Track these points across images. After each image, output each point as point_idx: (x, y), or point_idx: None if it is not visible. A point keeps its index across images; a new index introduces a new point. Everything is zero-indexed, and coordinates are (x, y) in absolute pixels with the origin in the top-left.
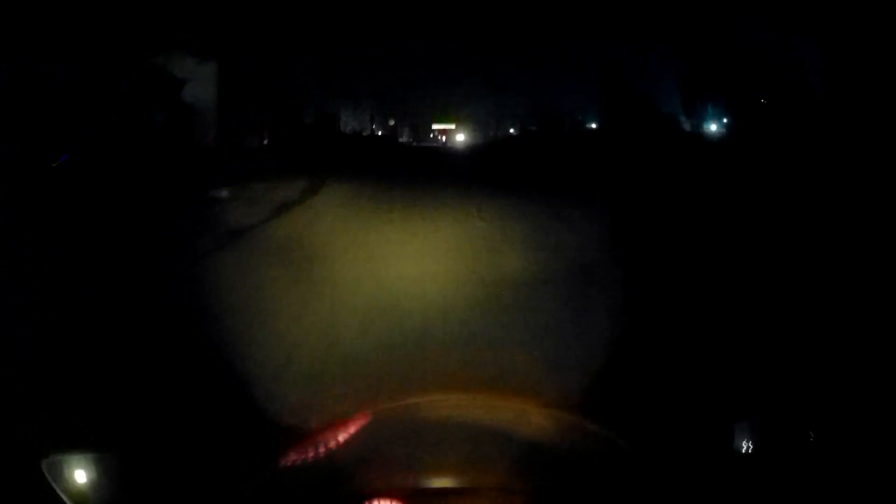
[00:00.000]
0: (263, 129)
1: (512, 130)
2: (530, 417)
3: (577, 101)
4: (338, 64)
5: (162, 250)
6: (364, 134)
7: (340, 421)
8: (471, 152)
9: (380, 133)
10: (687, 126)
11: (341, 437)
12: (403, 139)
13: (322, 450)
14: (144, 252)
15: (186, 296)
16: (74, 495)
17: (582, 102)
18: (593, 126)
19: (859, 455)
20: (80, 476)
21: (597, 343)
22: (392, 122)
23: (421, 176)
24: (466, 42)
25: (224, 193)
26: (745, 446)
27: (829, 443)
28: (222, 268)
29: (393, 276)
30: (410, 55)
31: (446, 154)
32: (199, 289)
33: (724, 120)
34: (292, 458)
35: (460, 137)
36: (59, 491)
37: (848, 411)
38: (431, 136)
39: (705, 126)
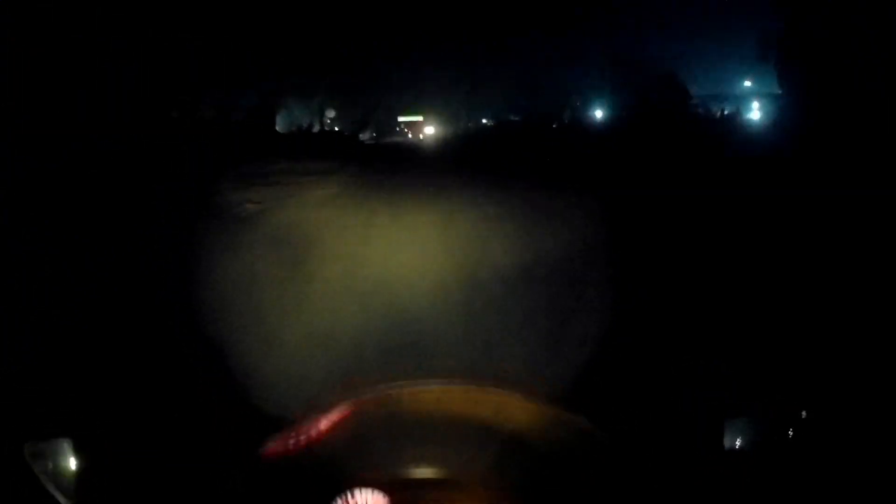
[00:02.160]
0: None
1: (485, 121)
2: (513, 410)
3: (578, 85)
4: (285, 52)
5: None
6: (314, 130)
7: (323, 411)
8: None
9: (336, 129)
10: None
11: (324, 428)
12: (365, 135)
13: (305, 440)
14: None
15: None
16: (56, 481)
17: (584, 87)
18: (598, 116)
19: (852, 452)
20: (63, 461)
21: (582, 337)
22: (351, 116)
23: (380, 184)
24: (434, 23)
25: None
26: (735, 443)
27: (821, 440)
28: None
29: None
30: (372, 40)
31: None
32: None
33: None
34: (275, 447)
35: (429, 131)
36: (40, 476)
37: (842, 408)
38: (397, 129)
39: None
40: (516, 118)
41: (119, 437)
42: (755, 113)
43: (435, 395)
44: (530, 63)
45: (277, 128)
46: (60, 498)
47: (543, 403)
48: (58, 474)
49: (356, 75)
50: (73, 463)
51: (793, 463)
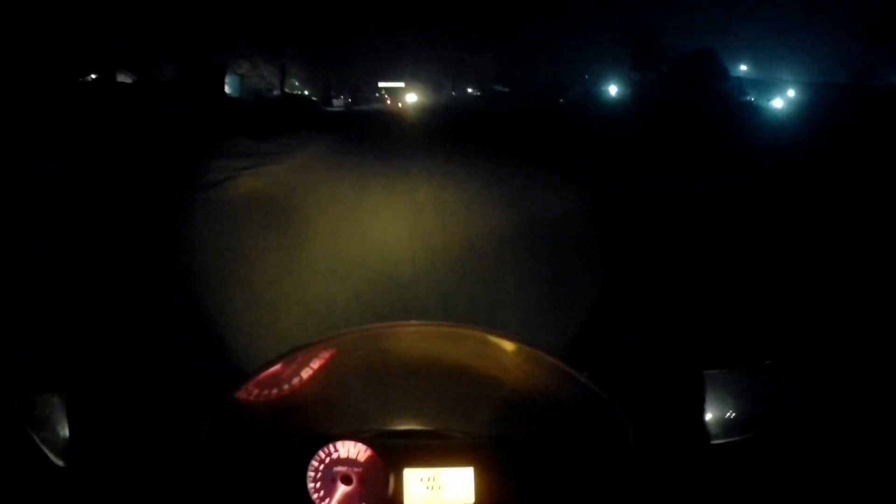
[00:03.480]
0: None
1: (471, 90)
2: (502, 355)
3: (587, 55)
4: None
5: None
6: (273, 94)
7: (302, 350)
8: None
9: (305, 94)
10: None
11: (304, 372)
12: (339, 101)
13: (285, 385)
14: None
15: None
16: (46, 436)
17: (595, 57)
18: (612, 92)
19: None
20: (54, 417)
21: (570, 293)
22: (322, 80)
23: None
24: None
25: None
26: (717, 395)
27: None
28: None
29: None
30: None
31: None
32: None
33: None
34: (252, 391)
35: (411, 98)
36: (30, 430)
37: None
38: (377, 95)
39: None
40: (504, 89)
41: (106, 391)
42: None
43: (419, 333)
44: (529, 28)
45: (228, 91)
46: (50, 454)
47: (530, 346)
48: (48, 430)
49: (328, 35)
50: (64, 419)
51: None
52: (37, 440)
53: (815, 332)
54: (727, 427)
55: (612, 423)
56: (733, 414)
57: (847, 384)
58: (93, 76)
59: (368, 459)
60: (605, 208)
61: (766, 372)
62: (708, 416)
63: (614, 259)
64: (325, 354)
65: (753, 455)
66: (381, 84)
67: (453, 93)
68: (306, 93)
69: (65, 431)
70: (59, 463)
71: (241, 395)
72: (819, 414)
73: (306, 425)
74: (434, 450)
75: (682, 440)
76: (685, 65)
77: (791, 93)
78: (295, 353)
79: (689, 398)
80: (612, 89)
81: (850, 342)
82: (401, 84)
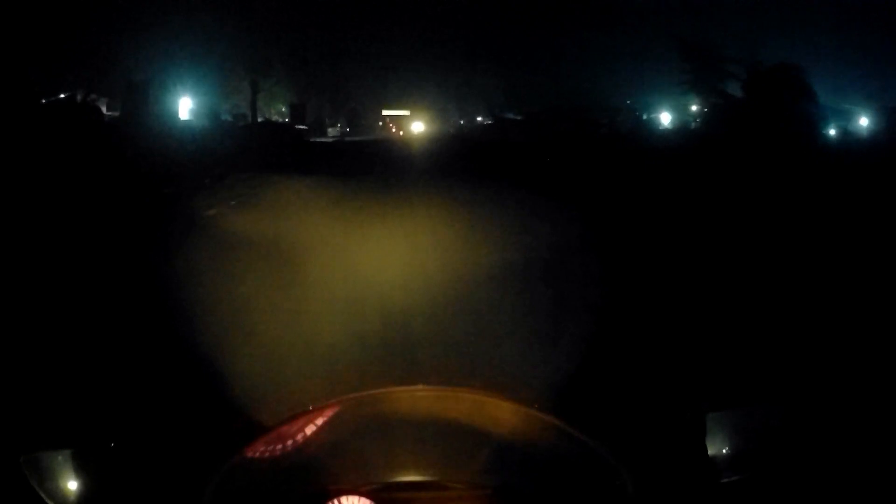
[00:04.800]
0: None
1: (480, 119)
2: (495, 412)
3: (628, 77)
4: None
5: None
6: (243, 123)
7: (307, 412)
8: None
9: (285, 121)
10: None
11: (308, 429)
12: (334, 131)
13: (289, 441)
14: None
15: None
16: (52, 493)
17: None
18: (664, 121)
19: (832, 446)
20: (57, 472)
21: (565, 340)
22: (316, 106)
23: None
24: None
25: None
26: (718, 440)
27: (802, 435)
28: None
29: None
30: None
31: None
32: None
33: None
34: (258, 448)
35: (417, 127)
36: (36, 487)
37: (822, 404)
38: (380, 123)
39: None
40: (516, 117)
41: (108, 444)
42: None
43: (421, 396)
44: (546, 45)
45: (184, 117)
46: None
47: (524, 405)
48: (54, 487)
49: (322, 55)
50: (70, 475)
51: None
52: (42, 496)
53: (815, 370)
54: (728, 466)
55: (610, 474)
56: (734, 453)
57: (847, 421)
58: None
59: None
60: (607, 244)
61: (767, 410)
62: (710, 455)
63: (616, 297)
64: (329, 412)
65: (754, 494)
66: (385, 112)
67: (461, 122)
68: (284, 121)
69: (71, 488)
70: None
71: (246, 453)
72: (820, 451)
73: (310, 480)
74: (434, 501)
75: (685, 487)
76: (763, 83)
77: (863, 120)
78: (300, 413)
79: (691, 443)
80: (665, 117)
81: (850, 379)
82: (405, 112)
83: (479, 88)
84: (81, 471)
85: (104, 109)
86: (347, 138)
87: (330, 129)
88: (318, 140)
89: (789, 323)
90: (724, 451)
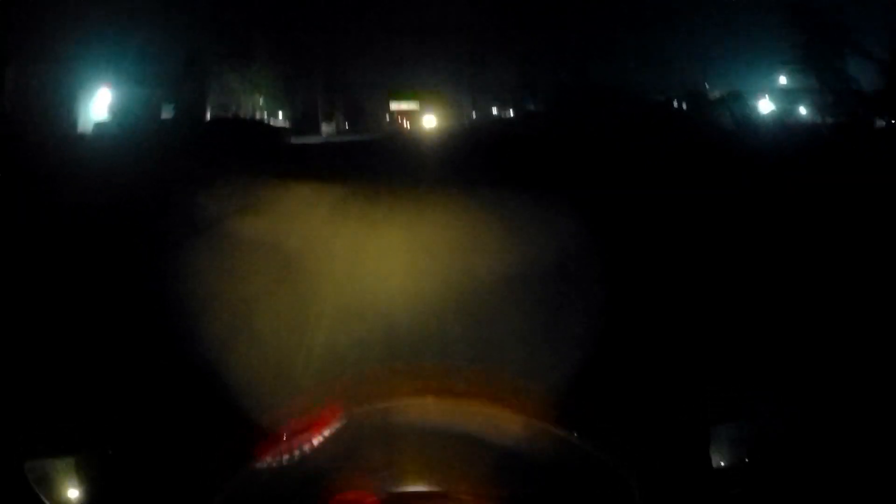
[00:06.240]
0: None
1: (496, 110)
2: (503, 423)
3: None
4: None
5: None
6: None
7: (315, 422)
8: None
9: (258, 118)
10: None
11: (316, 439)
12: (328, 128)
13: (296, 451)
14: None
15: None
16: (55, 498)
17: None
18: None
19: (834, 458)
20: (62, 479)
21: (569, 349)
22: (303, 99)
23: None
24: None
25: None
26: (723, 451)
27: (806, 445)
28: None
29: None
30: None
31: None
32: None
33: None
34: (266, 459)
35: (429, 122)
36: (40, 494)
37: (827, 413)
38: (387, 118)
39: None
40: (535, 108)
41: (112, 451)
42: None
43: (426, 407)
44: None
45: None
46: None
47: (531, 417)
48: (58, 493)
49: (312, 39)
50: (73, 482)
51: (780, 469)
52: (46, 502)
53: (816, 373)
54: (732, 476)
55: (616, 484)
56: (737, 463)
57: (847, 423)
58: None
59: None
60: (613, 249)
61: (771, 418)
62: (714, 466)
63: (622, 304)
64: (337, 422)
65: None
66: (393, 106)
67: (473, 113)
68: (267, 114)
69: (75, 495)
70: None
71: (254, 462)
72: (822, 453)
73: (318, 490)
74: None
75: (690, 497)
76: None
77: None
78: (308, 420)
79: (695, 453)
80: (764, 104)
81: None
82: (414, 106)
83: (493, 70)
84: (85, 477)
85: None
86: (344, 139)
87: (324, 127)
88: (301, 142)
89: (805, 331)
90: (727, 461)
